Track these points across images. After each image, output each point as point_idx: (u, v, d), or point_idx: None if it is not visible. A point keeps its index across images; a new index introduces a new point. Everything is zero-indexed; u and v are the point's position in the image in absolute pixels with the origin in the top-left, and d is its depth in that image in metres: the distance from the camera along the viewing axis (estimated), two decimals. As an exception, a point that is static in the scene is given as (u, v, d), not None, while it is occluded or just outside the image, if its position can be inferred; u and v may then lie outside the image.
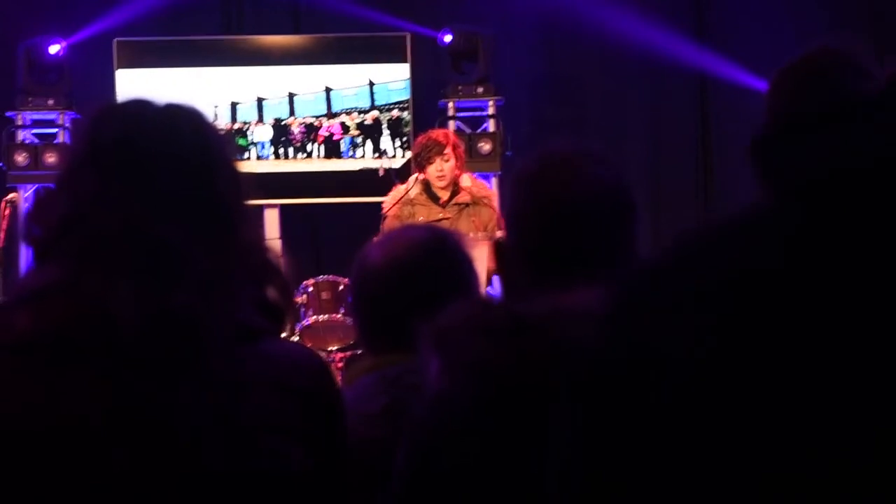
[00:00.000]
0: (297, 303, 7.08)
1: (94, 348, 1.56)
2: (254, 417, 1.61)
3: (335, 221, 8.44)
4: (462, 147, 6.74)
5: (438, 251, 2.37)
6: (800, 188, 0.86)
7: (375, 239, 2.53)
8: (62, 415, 1.55)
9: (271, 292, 1.72)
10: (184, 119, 1.73)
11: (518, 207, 1.94)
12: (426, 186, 6.53)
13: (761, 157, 0.94)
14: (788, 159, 0.89)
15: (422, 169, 6.48)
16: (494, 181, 8.24)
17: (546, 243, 1.89)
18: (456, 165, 6.47)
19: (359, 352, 6.58)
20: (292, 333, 7.14)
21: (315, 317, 6.94)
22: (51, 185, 1.81)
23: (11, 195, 6.69)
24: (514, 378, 1.72)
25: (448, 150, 6.43)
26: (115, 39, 8.27)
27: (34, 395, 1.57)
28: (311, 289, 7.01)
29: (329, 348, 6.91)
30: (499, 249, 1.96)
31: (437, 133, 6.66)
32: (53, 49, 8.16)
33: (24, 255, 6.66)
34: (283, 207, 8.35)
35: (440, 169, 6.42)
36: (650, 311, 0.84)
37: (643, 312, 0.85)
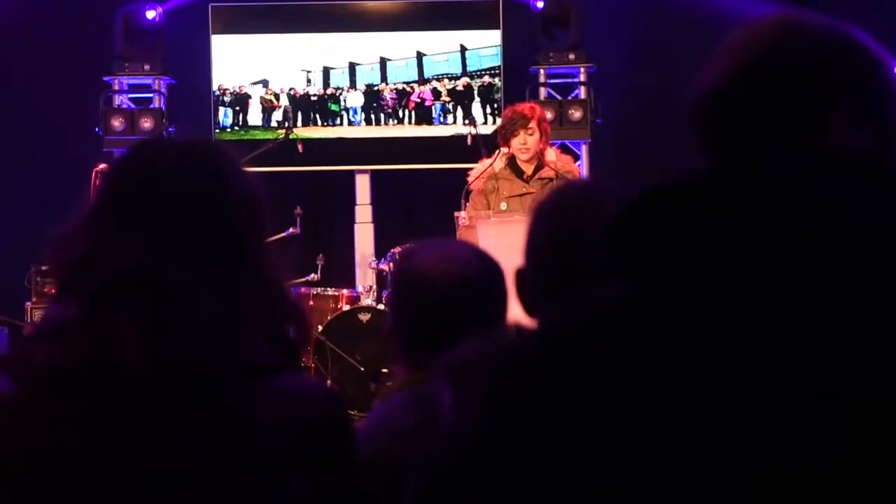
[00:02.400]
0: (385, 270, 7.13)
1: (104, 387, 1.60)
2: (260, 452, 1.64)
3: (426, 187, 8.47)
4: (548, 122, 6.71)
5: (491, 273, 2.37)
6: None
7: (416, 248, 2.51)
8: (74, 450, 1.60)
9: (289, 327, 1.75)
10: (203, 159, 1.75)
11: (535, 239, 1.94)
12: (511, 161, 6.52)
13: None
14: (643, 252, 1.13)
15: (506, 142, 6.48)
16: (584, 149, 8.21)
17: (559, 277, 1.89)
18: (540, 140, 6.45)
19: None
20: (379, 301, 7.21)
21: (400, 286, 6.96)
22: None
23: (102, 166, 6.80)
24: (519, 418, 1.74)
25: (533, 125, 6.41)
26: (211, 5, 8.37)
27: (49, 429, 1.62)
28: (398, 257, 7.05)
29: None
30: (519, 278, 1.96)
31: (523, 106, 6.64)
32: (150, 15, 8.28)
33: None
34: (373, 173, 8.41)
35: (524, 142, 6.41)
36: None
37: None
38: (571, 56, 8.26)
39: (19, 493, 1.61)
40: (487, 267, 2.39)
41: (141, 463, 1.60)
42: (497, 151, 6.58)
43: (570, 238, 1.89)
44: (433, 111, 8.41)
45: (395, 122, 8.41)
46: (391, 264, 7.03)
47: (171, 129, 8.11)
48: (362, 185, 8.42)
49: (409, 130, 8.40)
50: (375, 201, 8.40)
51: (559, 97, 8.33)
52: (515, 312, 2.23)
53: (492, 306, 2.34)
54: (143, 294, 1.63)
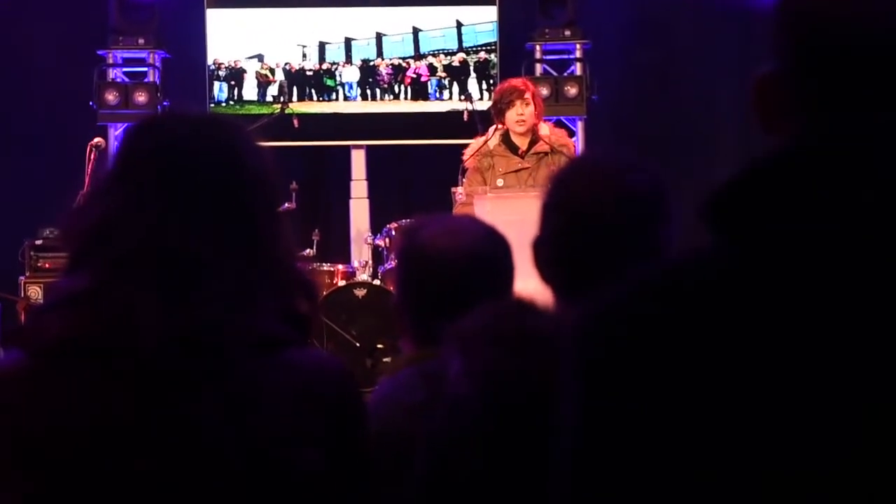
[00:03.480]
0: (380, 245, 7.13)
1: (119, 358, 1.60)
2: (274, 425, 1.64)
3: (421, 163, 8.45)
4: (541, 97, 6.70)
5: (498, 248, 2.37)
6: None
7: (423, 222, 2.50)
8: (86, 421, 1.60)
9: (300, 302, 1.74)
10: (215, 133, 1.75)
11: (547, 207, 1.95)
12: (505, 137, 6.50)
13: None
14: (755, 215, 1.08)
15: (501, 116, 6.44)
16: (580, 125, 8.20)
17: (566, 245, 1.90)
18: (535, 113, 6.43)
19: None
20: (374, 276, 7.21)
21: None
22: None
23: (97, 140, 6.78)
24: (518, 389, 1.76)
25: (528, 96, 6.39)
26: (206, -22, 8.33)
27: (60, 400, 1.62)
28: (393, 232, 7.04)
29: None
30: (534, 248, 1.97)
31: (516, 81, 6.63)
32: (145, -12, 8.24)
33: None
34: (369, 149, 8.39)
35: (520, 113, 6.37)
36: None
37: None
38: (567, 32, 8.24)
39: (31, 464, 1.61)
40: (494, 242, 2.39)
41: (152, 434, 1.60)
42: (492, 128, 6.56)
43: (579, 207, 1.90)
44: (429, 87, 8.39)
45: (391, 97, 8.39)
46: (387, 240, 7.03)
47: (165, 104, 8.08)
48: (358, 161, 8.40)
49: (405, 106, 8.38)
50: (371, 177, 8.38)
51: (555, 73, 8.32)
52: (521, 287, 2.24)
53: (498, 282, 2.34)
54: (157, 266, 1.63)
